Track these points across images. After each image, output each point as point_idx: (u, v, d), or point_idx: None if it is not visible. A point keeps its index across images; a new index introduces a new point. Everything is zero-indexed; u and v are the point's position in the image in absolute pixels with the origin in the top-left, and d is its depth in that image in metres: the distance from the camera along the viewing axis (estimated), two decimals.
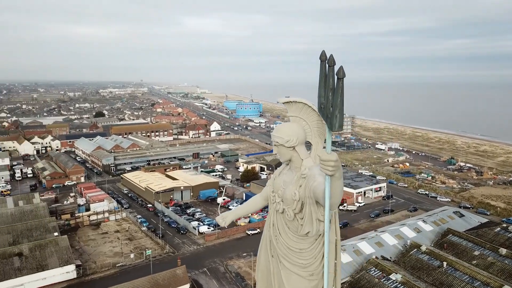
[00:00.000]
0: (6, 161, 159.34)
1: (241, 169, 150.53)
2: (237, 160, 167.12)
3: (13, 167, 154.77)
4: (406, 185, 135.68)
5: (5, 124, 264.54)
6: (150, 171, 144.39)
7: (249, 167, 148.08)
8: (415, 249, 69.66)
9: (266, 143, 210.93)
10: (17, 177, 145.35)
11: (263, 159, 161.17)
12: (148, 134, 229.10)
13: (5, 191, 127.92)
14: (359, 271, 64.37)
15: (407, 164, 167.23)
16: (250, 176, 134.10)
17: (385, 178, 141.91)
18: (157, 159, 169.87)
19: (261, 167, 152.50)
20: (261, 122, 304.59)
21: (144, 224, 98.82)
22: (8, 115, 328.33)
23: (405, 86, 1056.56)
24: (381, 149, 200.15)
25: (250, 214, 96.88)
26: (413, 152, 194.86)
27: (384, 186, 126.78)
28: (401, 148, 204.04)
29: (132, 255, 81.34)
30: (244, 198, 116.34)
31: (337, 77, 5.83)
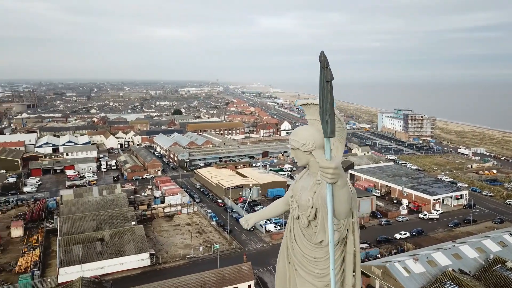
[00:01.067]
0: (94, 154, 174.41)
1: None
2: None
3: (100, 159, 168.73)
4: (492, 194, 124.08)
5: (95, 119, 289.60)
6: (222, 168, 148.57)
7: None
8: (499, 265, 63.29)
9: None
10: (103, 168, 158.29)
11: None
12: (221, 132, 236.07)
13: (92, 181, 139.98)
14: (433, 283, 60.10)
15: (494, 171, 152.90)
16: None
17: (467, 185, 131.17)
18: (228, 156, 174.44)
19: None
20: None
21: (214, 219, 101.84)
22: (98, 111, 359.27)
23: (497, 85, 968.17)
24: (464, 154, 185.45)
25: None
26: (502, 159, 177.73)
27: (465, 194, 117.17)
28: (487, 154, 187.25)
29: (201, 248, 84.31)
30: None
31: (325, 80, 5.57)
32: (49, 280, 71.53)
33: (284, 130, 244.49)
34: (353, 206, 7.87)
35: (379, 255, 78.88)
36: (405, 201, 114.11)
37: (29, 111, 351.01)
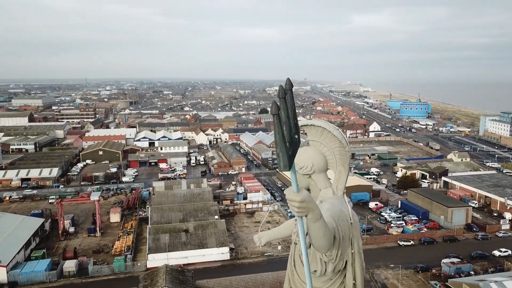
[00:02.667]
0: (185, 149, 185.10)
1: (399, 174, 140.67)
2: (395, 164, 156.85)
3: (190, 154, 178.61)
4: None
5: (187, 116, 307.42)
6: None
7: (408, 172, 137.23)
8: None
9: (432, 148, 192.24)
10: (192, 163, 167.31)
11: (425, 165, 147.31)
12: (305, 131, 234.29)
13: (182, 175, 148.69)
14: None
15: None
16: (408, 183, 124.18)
17: None
18: None
19: (422, 174, 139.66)
20: (428, 124, 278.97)
21: None
22: (190, 109, 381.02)
23: None
24: None
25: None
26: None
27: None
28: None
29: (279, 247, 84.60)
30: (399, 206, 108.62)
31: (270, 112, 4.81)
32: (139, 264, 77.58)
33: (372, 131, 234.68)
34: (352, 237, 7.17)
35: (472, 272, 71.74)
36: (508, 215, 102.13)
37: (131, 108, 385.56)
